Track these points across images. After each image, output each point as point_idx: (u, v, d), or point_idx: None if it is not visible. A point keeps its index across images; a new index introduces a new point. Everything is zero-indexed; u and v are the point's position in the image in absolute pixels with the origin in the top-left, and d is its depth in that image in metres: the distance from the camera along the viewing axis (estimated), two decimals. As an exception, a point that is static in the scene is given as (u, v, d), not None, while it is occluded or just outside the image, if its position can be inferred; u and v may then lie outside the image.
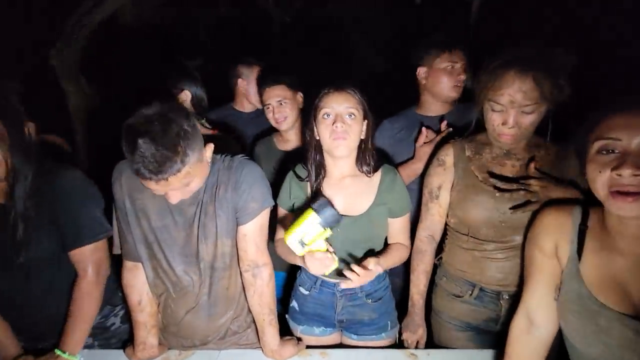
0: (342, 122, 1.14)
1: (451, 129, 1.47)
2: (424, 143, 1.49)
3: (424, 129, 1.50)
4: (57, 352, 1.09)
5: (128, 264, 1.15)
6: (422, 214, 1.35)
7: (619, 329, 0.77)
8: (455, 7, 3.43)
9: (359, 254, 1.23)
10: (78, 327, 1.12)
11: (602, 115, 0.76)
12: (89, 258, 1.12)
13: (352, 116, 1.15)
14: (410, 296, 1.33)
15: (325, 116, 1.16)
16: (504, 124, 1.10)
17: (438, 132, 1.53)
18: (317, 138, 1.21)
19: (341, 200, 1.24)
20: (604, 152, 0.75)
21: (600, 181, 0.76)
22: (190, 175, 0.97)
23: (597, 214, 0.86)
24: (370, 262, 1.10)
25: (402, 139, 1.62)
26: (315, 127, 1.20)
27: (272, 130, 1.76)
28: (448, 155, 1.28)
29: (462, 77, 1.51)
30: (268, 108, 1.64)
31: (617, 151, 0.73)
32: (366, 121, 1.21)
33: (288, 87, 1.62)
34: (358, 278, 1.08)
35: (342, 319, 1.31)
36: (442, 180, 1.28)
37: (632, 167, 0.70)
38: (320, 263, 1.08)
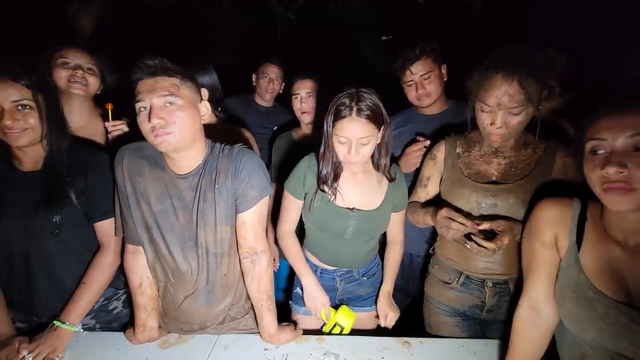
0: (357, 151, 1.16)
1: (428, 141, 1.52)
2: (418, 151, 1.52)
3: (418, 137, 1.57)
4: (57, 323, 1.14)
5: (129, 247, 1.17)
6: (410, 197, 1.44)
7: (614, 315, 0.80)
8: (458, 6, 3.44)
9: (365, 241, 1.35)
10: (87, 296, 1.18)
11: (592, 119, 0.82)
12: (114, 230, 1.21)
13: (367, 143, 1.17)
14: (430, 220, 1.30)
15: (340, 141, 1.18)
16: (492, 124, 1.14)
17: (436, 130, 1.60)
18: (331, 142, 1.22)
19: (356, 195, 1.31)
20: (594, 152, 0.81)
21: (594, 179, 0.81)
22: (177, 92, 1.04)
23: (596, 208, 0.90)
24: (384, 307, 1.37)
25: (395, 137, 1.67)
26: (330, 135, 1.21)
27: (294, 125, 1.89)
28: (440, 150, 1.37)
29: (422, 90, 1.55)
30: (296, 98, 1.75)
31: (604, 151, 0.79)
32: (382, 130, 1.21)
33: (317, 82, 1.73)
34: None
35: (342, 298, 1.41)
36: (432, 172, 1.38)
37: (616, 165, 0.76)
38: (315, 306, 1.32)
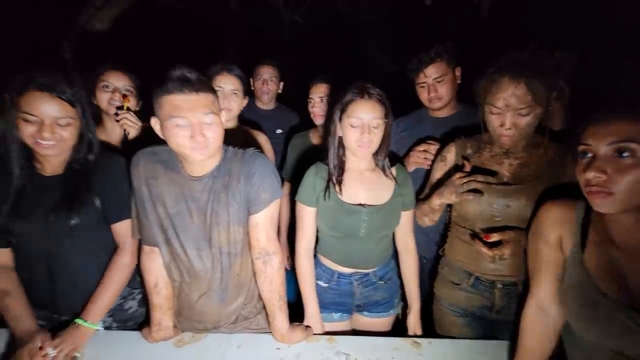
0: (368, 132, 1.22)
1: (433, 143, 1.54)
2: (420, 152, 1.55)
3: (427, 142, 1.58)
4: (78, 321, 1.18)
5: (145, 248, 1.21)
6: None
7: (617, 316, 0.81)
8: (464, 7, 3.45)
9: (379, 239, 1.37)
10: (106, 295, 1.22)
11: (582, 125, 0.86)
12: (130, 231, 1.25)
13: (378, 126, 1.23)
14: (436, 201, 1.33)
15: (353, 124, 1.23)
16: (501, 125, 1.16)
17: (446, 133, 1.60)
18: (340, 135, 1.28)
19: (363, 191, 1.33)
20: (583, 156, 0.85)
21: (580, 182, 0.86)
22: (215, 109, 1.07)
23: None
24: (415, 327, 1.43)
25: (403, 138, 1.72)
26: (339, 126, 1.27)
27: (303, 126, 1.94)
28: (450, 152, 1.38)
29: (434, 93, 1.57)
30: (310, 102, 1.81)
31: (590, 155, 0.83)
32: (387, 120, 1.28)
33: (331, 86, 1.76)
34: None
35: (359, 303, 1.42)
36: (442, 174, 1.39)
37: (596, 170, 0.80)
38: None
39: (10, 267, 1.21)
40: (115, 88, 1.53)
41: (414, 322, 1.43)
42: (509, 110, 1.14)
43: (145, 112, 1.60)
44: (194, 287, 1.21)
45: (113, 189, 1.23)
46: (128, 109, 1.52)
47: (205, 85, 1.07)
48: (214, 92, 1.10)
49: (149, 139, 1.44)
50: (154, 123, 1.09)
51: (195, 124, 1.03)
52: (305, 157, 1.81)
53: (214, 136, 1.07)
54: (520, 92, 1.10)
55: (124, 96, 1.53)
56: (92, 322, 1.19)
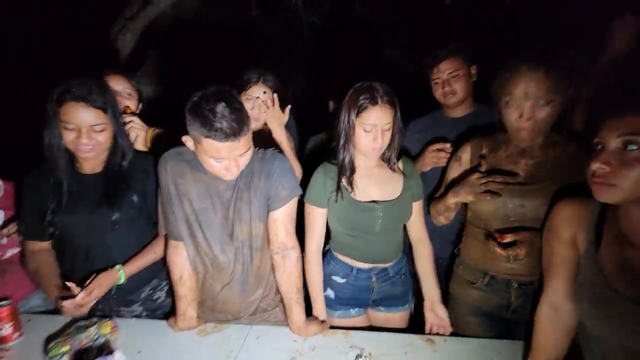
0: (381, 137, 1.25)
1: (448, 145, 1.55)
2: (435, 151, 1.56)
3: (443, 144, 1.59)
4: (118, 267, 1.32)
5: (171, 243, 1.28)
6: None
7: (630, 314, 0.81)
8: (486, 7, 3.40)
9: (393, 233, 1.40)
10: (142, 261, 1.37)
11: (600, 119, 0.87)
12: None
13: (389, 129, 1.27)
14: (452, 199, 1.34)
15: (366, 130, 1.26)
16: (520, 117, 1.15)
17: (461, 134, 1.61)
18: (352, 135, 1.30)
19: (374, 187, 1.36)
20: (595, 148, 0.86)
21: (588, 173, 0.87)
22: (248, 142, 1.13)
23: (613, 208, 0.91)
24: (439, 311, 1.41)
25: (419, 139, 1.73)
26: (351, 128, 1.28)
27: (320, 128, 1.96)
28: (465, 152, 1.37)
29: (448, 88, 1.58)
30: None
31: (600, 147, 0.84)
32: (395, 117, 1.29)
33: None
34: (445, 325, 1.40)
35: (377, 298, 1.44)
36: (457, 174, 1.39)
37: (599, 162, 0.82)
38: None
39: (47, 249, 1.34)
40: (115, 92, 1.54)
41: (441, 310, 1.40)
42: (528, 100, 1.11)
43: (154, 117, 1.66)
44: (218, 278, 1.28)
45: (155, 189, 1.32)
46: (132, 113, 1.59)
47: (246, 126, 1.09)
48: (250, 123, 1.12)
49: (156, 144, 1.53)
50: (186, 140, 1.15)
51: (232, 159, 1.12)
52: (320, 157, 1.83)
53: (245, 163, 1.16)
54: (540, 80, 1.09)
55: (126, 106, 1.58)
56: (124, 272, 1.32)
